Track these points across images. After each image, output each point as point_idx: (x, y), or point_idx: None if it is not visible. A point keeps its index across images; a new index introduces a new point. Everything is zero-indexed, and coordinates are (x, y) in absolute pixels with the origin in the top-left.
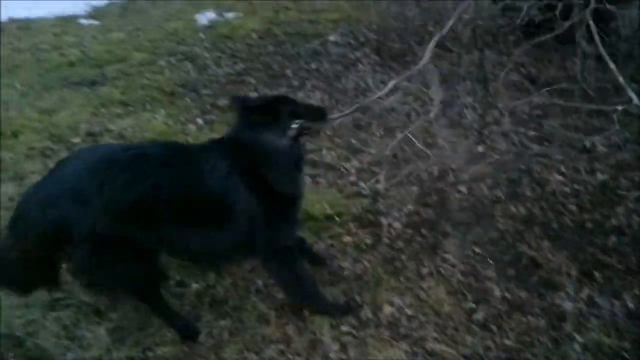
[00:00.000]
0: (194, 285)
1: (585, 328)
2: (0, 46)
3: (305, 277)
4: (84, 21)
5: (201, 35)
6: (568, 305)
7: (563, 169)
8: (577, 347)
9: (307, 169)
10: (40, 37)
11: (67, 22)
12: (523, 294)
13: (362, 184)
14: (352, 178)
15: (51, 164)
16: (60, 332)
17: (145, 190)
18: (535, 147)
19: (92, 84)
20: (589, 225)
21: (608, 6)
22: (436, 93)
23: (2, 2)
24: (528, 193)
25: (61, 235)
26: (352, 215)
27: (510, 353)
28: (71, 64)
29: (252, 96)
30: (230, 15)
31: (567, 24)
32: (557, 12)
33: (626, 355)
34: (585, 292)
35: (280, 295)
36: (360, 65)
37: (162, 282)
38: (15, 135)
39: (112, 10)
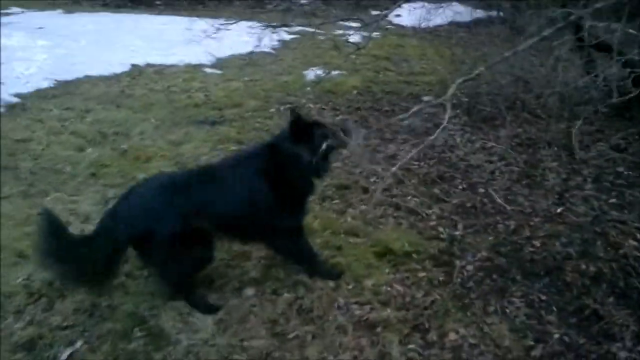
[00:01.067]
0: (286, 295)
1: None
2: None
3: (307, 249)
4: (208, 70)
5: (308, 88)
6: (623, 355)
7: (639, 236)
8: None
9: (391, 211)
10: (172, 81)
11: (194, 69)
12: (581, 340)
13: (440, 229)
14: (432, 223)
15: None
16: (176, 317)
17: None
18: (614, 214)
19: (213, 123)
20: None
21: None
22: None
23: (141, 49)
24: (600, 254)
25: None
26: (428, 254)
27: None
28: (196, 105)
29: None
30: (335, 73)
31: None
32: None
33: None
34: None
35: (359, 312)
36: (450, 125)
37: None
38: (148, 160)
39: (234, 62)
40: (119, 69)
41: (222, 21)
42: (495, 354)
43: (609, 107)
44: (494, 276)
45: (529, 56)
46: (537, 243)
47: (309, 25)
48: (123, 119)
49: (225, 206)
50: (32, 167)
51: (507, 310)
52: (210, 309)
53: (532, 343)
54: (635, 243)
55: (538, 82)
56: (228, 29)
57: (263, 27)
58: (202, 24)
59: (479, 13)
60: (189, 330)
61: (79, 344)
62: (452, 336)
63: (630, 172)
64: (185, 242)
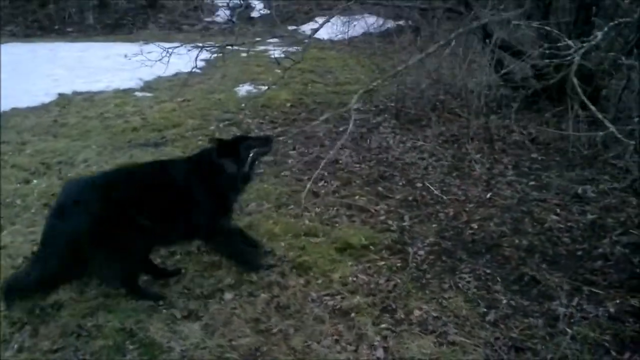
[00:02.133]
0: (262, 295)
1: (574, 326)
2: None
3: (239, 247)
4: (139, 93)
5: (242, 104)
6: (561, 310)
7: (558, 211)
8: (567, 338)
9: (343, 211)
10: (104, 107)
11: (125, 94)
12: (525, 302)
13: (390, 222)
14: (382, 217)
15: None
16: (164, 327)
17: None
18: (535, 194)
19: (156, 145)
20: (579, 253)
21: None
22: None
23: (65, 78)
24: (529, 229)
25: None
26: (383, 245)
27: (515, 342)
28: (135, 129)
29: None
30: (264, 88)
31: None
32: (550, 82)
33: (607, 345)
34: (575, 301)
35: (332, 302)
36: (381, 128)
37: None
38: None
39: (162, 83)
40: (46, 99)
41: (141, 45)
42: (455, 323)
43: (518, 101)
44: (444, 258)
45: (444, 60)
46: (475, 226)
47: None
48: (63, 148)
49: (157, 206)
50: None
51: (460, 285)
52: (156, 296)
53: (485, 310)
54: (556, 217)
55: (455, 84)
56: (176, 52)
57: (190, 48)
58: (121, 49)
59: (390, 23)
60: (178, 337)
61: None
62: (417, 313)
63: (543, 157)
64: (120, 237)
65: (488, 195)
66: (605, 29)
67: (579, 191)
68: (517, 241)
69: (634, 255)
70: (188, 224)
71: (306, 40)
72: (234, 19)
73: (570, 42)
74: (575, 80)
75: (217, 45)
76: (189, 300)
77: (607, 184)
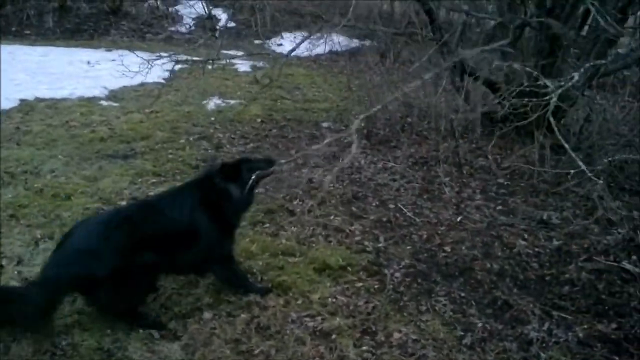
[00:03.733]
0: (242, 316)
1: (547, 350)
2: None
3: (240, 272)
4: (104, 102)
5: (212, 118)
6: (534, 334)
7: (526, 236)
8: None
9: (320, 230)
10: (69, 115)
11: (90, 102)
12: (499, 326)
13: (365, 242)
14: (357, 238)
15: None
16: (142, 347)
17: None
18: (503, 218)
19: (125, 157)
20: (547, 278)
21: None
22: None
23: (26, 83)
24: (499, 253)
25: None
26: (360, 266)
27: None
28: (102, 139)
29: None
30: (232, 102)
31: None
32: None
33: None
34: (546, 325)
35: (312, 324)
36: (353, 148)
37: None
38: (69, 197)
39: (128, 93)
40: (6, 105)
41: (102, 52)
42: (434, 346)
43: (483, 127)
44: (419, 280)
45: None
46: (447, 248)
47: (217, 59)
48: (28, 157)
49: (163, 241)
50: None
51: (436, 308)
52: (161, 325)
53: (461, 333)
54: (524, 242)
55: (423, 107)
56: (158, 64)
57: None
58: (83, 55)
59: (355, 42)
60: (157, 358)
61: None
62: (396, 335)
63: (509, 182)
64: (126, 277)
65: (459, 219)
66: (582, 70)
67: (544, 217)
68: (488, 265)
69: (599, 281)
70: (195, 254)
71: (273, 56)
72: (216, 34)
73: (548, 83)
74: (552, 119)
75: (200, 59)
76: (169, 320)
77: (570, 210)
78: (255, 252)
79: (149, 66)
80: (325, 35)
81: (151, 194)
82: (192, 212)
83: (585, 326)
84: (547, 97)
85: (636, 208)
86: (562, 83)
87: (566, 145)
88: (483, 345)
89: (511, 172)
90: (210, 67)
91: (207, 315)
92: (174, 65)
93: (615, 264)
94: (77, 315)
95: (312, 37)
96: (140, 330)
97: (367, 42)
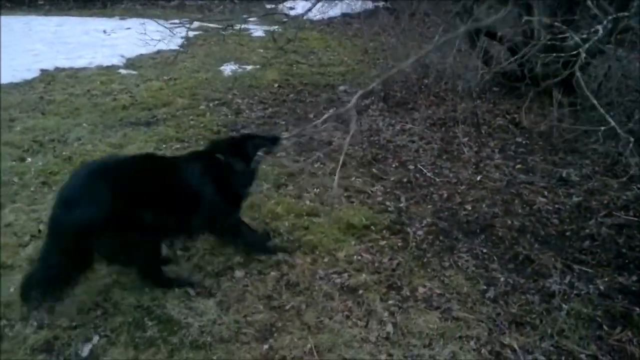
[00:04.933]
0: (272, 274)
1: (568, 302)
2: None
3: (252, 237)
4: (123, 71)
5: (230, 84)
6: (555, 287)
7: (546, 193)
8: (562, 313)
9: (341, 192)
10: (90, 84)
11: (108, 71)
12: (521, 280)
13: (387, 203)
14: (379, 199)
15: None
16: (180, 304)
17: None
18: (522, 177)
19: (147, 124)
20: (568, 233)
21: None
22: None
23: (45, 54)
24: (519, 210)
25: (86, 230)
26: (383, 225)
27: (515, 317)
28: (124, 107)
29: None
30: (249, 67)
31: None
32: (536, 69)
33: (599, 320)
34: (567, 279)
35: (339, 280)
36: (370, 111)
37: (163, 261)
38: None
39: (145, 61)
40: (28, 75)
41: (116, 20)
42: (458, 300)
43: (500, 86)
44: (441, 237)
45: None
46: (468, 207)
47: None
48: (54, 126)
49: (162, 201)
50: None
51: (459, 264)
52: (186, 282)
53: (485, 287)
54: (544, 199)
55: (439, 69)
56: (161, 31)
57: (180, 24)
58: (99, 24)
59: (368, 4)
60: (194, 314)
61: (96, 339)
62: (421, 290)
63: (527, 141)
64: (126, 231)
65: (478, 178)
66: (604, 22)
67: (564, 175)
68: (509, 222)
69: (619, 235)
70: (198, 220)
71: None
72: None
73: (577, 38)
74: (579, 74)
75: (219, 25)
76: (202, 278)
77: (589, 168)
78: (281, 214)
79: (172, 34)
80: None
81: None
82: (197, 179)
83: (606, 279)
84: (574, 52)
85: None
86: (585, 36)
87: (595, 102)
88: (506, 298)
89: (529, 132)
90: (224, 33)
91: (238, 273)
92: (187, 32)
93: (635, 218)
94: (115, 275)
95: None
96: (177, 289)
97: (381, 4)
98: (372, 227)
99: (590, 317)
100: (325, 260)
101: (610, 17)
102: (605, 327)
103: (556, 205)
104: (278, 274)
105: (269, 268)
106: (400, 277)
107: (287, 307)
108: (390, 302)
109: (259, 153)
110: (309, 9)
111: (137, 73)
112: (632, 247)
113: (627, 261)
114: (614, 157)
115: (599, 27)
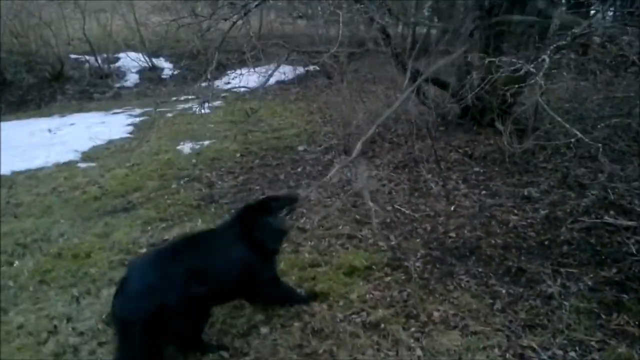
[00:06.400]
0: (296, 324)
1: (567, 300)
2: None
3: (288, 289)
4: (82, 164)
5: (194, 160)
6: (551, 290)
7: (516, 211)
8: (563, 310)
9: (334, 241)
10: (54, 182)
11: (68, 167)
12: (520, 289)
13: (380, 243)
14: (370, 241)
15: None
16: None
17: (193, 265)
18: (490, 201)
19: (125, 210)
20: (546, 242)
21: None
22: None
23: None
24: (498, 230)
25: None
26: (383, 264)
27: (526, 322)
28: (96, 198)
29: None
30: (206, 142)
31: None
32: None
33: (597, 311)
34: (559, 281)
35: (359, 319)
36: (335, 165)
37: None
38: (89, 255)
39: (101, 152)
40: None
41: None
42: (471, 316)
43: (446, 125)
44: (438, 265)
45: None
46: (452, 234)
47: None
48: (31, 226)
49: (216, 272)
50: None
51: (462, 285)
52: (221, 347)
53: (491, 301)
54: (515, 217)
55: (389, 117)
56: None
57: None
58: (41, 125)
59: (299, 70)
60: None
61: None
62: (436, 314)
63: (484, 169)
64: (189, 307)
65: (452, 208)
66: (548, 52)
67: (525, 193)
68: (492, 241)
69: (590, 237)
70: (241, 283)
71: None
72: (208, 76)
73: (531, 68)
74: (541, 101)
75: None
76: (231, 341)
77: (545, 183)
78: (285, 270)
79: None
80: (276, 66)
81: (166, 237)
82: (234, 245)
83: (591, 275)
84: (531, 80)
85: (600, 171)
86: (531, 67)
87: (558, 118)
88: (512, 306)
89: (483, 160)
90: (170, 114)
91: (264, 330)
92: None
93: (598, 220)
94: None
95: (272, 69)
96: (210, 354)
97: (311, 68)
98: (373, 266)
99: (588, 309)
100: (341, 303)
101: (553, 46)
102: (603, 316)
103: (528, 220)
104: (301, 324)
105: (291, 320)
106: (414, 306)
107: (320, 352)
108: (413, 329)
109: (284, 211)
110: (266, 80)
111: (96, 164)
112: (604, 244)
113: (603, 257)
114: (563, 171)
115: (545, 57)
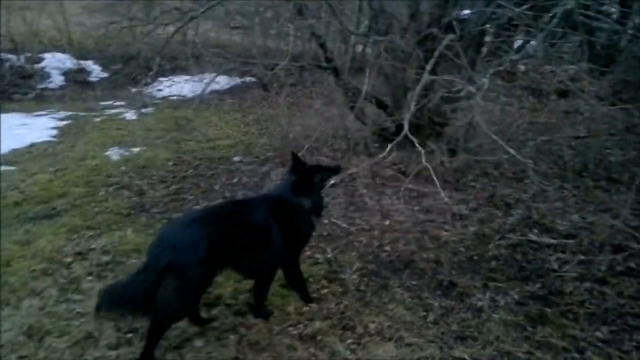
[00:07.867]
0: (231, 337)
1: (495, 312)
2: None
3: (302, 276)
4: (1, 168)
5: (122, 167)
6: (480, 303)
7: (447, 227)
8: (492, 322)
9: None
10: None
11: None
12: (452, 302)
13: (316, 256)
14: (307, 253)
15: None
16: None
17: (225, 230)
18: (422, 216)
19: (49, 217)
20: (476, 257)
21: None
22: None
23: None
24: (430, 245)
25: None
26: (320, 276)
27: (457, 333)
28: (17, 204)
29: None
30: (136, 149)
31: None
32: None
33: (523, 324)
34: (488, 294)
35: (296, 331)
36: (272, 176)
37: None
38: (8, 264)
39: (21, 155)
40: None
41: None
42: (405, 328)
43: (381, 142)
44: (373, 278)
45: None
46: (387, 248)
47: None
48: None
49: (238, 239)
50: None
51: (396, 297)
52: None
53: (424, 313)
54: (447, 233)
55: (322, 132)
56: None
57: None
58: None
59: (235, 80)
60: None
61: None
62: (372, 325)
63: (414, 187)
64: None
65: (387, 222)
66: (488, 75)
67: (455, 210)
68: (425, 255)
69: (515, 253)
70: (268, 258)
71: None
72: (148, 81)
73: (471, 88)
74: (478, 119)
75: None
76: (163, 354)
77: (474, 202)
78: (221, 282)
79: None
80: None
81: (93, 246)
82: (266, 221)
83: (517, 289)
84: (470, 101)
85: (524, 191)
86: (472, 88)
87: (494, 137)
88: (444, 319)
89: (416, 177)
90: (98, 119)
91: (198, 343)
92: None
93: (523, 237)
94: None
95: (209, 78)
96: None
97: (247, 79)
98: (310, 279)
99: (515, 322)
100: (277, 316)
101: (492, 70)
102: (529, 328)
103: (458, 236)
104: (237, 337)
105: (226, 332)
106: (351, 318)
107: None
108: (349, 341)
109: (325, 184)
110: (204, 90)
111: (17, 168)
112: (529, 260)
113: (528, 273)
114: (490, 191)
115: (485, 80)
